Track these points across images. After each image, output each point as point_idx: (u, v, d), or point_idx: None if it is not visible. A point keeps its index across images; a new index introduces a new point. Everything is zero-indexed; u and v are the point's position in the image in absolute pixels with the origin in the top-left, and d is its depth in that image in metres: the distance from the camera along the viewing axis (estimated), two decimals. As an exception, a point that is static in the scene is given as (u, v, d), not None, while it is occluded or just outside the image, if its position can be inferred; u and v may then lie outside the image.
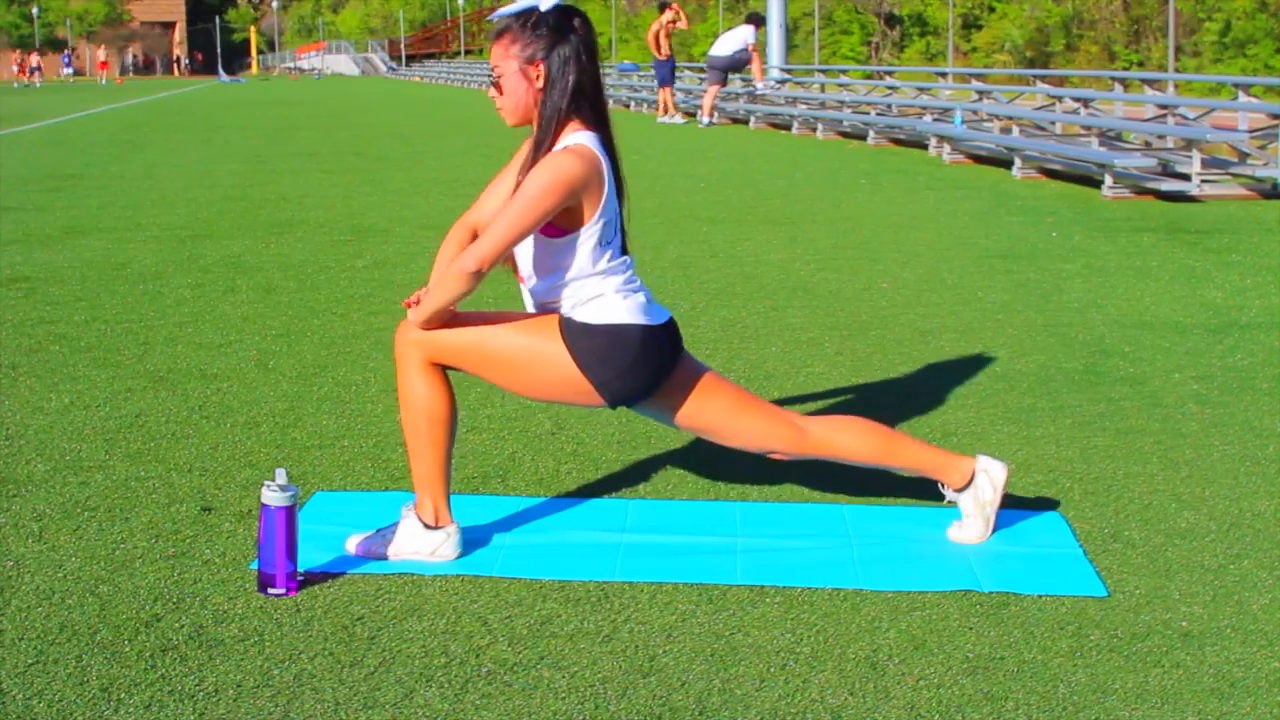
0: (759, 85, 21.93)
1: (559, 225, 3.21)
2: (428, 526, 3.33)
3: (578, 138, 3.23)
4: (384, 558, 3.33)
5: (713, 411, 3.39)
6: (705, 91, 21.66)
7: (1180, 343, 5.78)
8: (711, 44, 22.41)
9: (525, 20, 3.24)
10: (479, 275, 3.14)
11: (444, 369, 3.31)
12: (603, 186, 3.22)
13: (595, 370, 3.23)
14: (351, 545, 3.38)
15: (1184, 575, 3.27)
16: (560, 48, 3.22)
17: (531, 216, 3.13)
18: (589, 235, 3.22)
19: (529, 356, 3.24)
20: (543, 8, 3.24)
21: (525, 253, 3.30)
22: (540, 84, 3.24)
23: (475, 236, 3.39)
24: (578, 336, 3.23)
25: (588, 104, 3.26)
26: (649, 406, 3.40)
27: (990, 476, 3.47)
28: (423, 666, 2.80)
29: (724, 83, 21.47)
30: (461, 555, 3.35)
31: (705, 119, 20.94)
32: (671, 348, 3.33)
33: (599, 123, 3.28)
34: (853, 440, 3.46)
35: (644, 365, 3.26)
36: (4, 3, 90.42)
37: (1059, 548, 3.44)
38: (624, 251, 3.36)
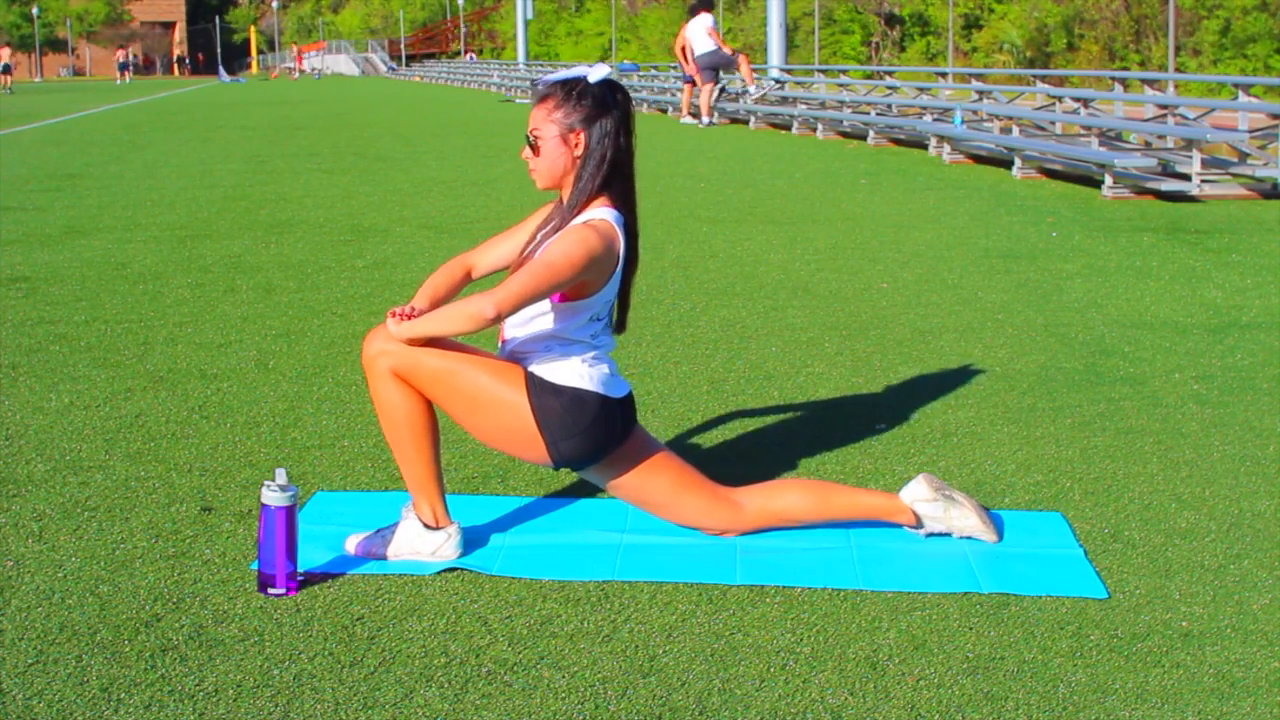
0: (752, 89, 21.65)
1: (564, 293, 3.27)
2: (428, 527, 3.33)
3: (602, 214, 3.30)
4: (383, 558, 3.33)
5: (653, 489, 3.46)
6: (700, 91, 21.51)
7: (1180, 343, 5.78)
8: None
9: (571, 89, 3.32)
10: (492, 322, 3.18)
11: None
12: (614, 267, 3.30)
13: (551, 429, 3.28)
14: (351, 545, 3.39)
15: (1184, 575, 3.27)
16: (602, 120, 3.30)
17: (551, 281, 3.19)
18: (586, 308, 3.30)
19: (490, 401, 3.27)
20: (590, 79, 3.32)
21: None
22: (579, 152, 3.31)
23: (468, 276, 3.49)
24: (542, 394, 3.28)
25: (620, 181, 3.33)
26: (594, 472, 3.47)
27: (925, 504, 3.46)
28: (423, 666, 2.80)
29: (716, 80, 21.26)
30: (463, 555, 3.35)
31: (706, 119, 20.90)
32: (624, 422, 3.39)
33: (625, 203, 3.35)
34: (790, 500, 3.50)
35: (595, 433, 3.32)
36: (4, 3, 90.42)
37: (1060, 549, 3.44)
38: (621, 328, 3.47)
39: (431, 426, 3.31)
